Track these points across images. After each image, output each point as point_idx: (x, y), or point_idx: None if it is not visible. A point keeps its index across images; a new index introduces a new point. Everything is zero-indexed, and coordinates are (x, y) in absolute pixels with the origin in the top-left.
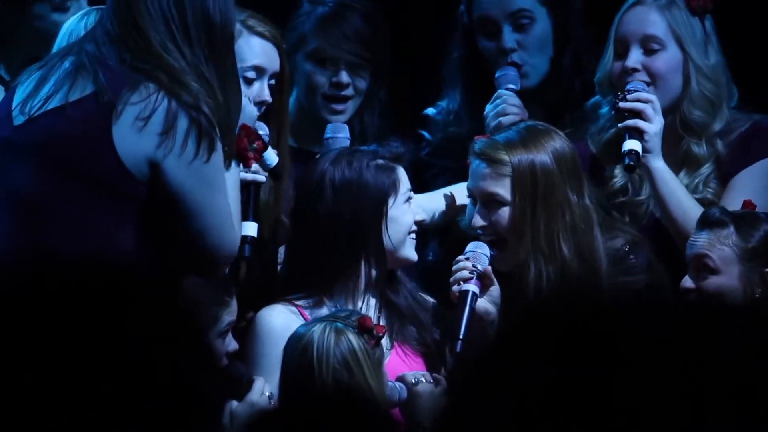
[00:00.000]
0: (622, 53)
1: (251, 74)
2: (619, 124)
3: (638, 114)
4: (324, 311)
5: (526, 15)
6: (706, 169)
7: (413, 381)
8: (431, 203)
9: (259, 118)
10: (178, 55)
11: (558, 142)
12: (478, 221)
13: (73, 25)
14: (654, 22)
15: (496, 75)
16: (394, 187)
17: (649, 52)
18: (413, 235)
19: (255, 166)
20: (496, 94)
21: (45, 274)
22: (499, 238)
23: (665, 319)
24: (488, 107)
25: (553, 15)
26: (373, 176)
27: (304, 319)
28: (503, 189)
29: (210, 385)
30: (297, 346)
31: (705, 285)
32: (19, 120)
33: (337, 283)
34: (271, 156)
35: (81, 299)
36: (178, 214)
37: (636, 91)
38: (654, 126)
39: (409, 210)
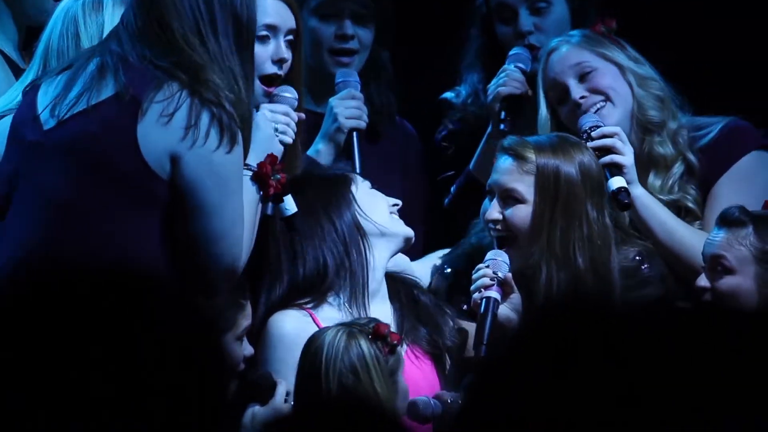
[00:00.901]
0: (561, 97)
1: (265, 32)
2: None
3: (609, 149)
4: (335, 313)
5: None
6: (677, 168)
7: (449, 401)
8: (425, 267)
9: (282, 80)
10: (202, 49)
11: (586, 156)
12: (492, 214)
13: (70, 3)
14: (576, 53)
15: (509, 53)
16: (349, 176)
17: (584, 77)
18: (395, 212)
19: (281, 132)
20: (501, 69)
21: (72, 276)
22: (509, 235)
23: (676, 325)
24: (492, 82)
25: (570, 0)
26: (327, 171)
27: (316, 323)
28: (523, 186)
29: (229, 389)
30: (309, 349)
31: (720, 285)
32: (49, 124)
33: (342, 281)
34: (291, 204)
35: (103, 301)
36: (190, 214)
37: (597, 126)
38: (628, 158)
39: (377, 192)
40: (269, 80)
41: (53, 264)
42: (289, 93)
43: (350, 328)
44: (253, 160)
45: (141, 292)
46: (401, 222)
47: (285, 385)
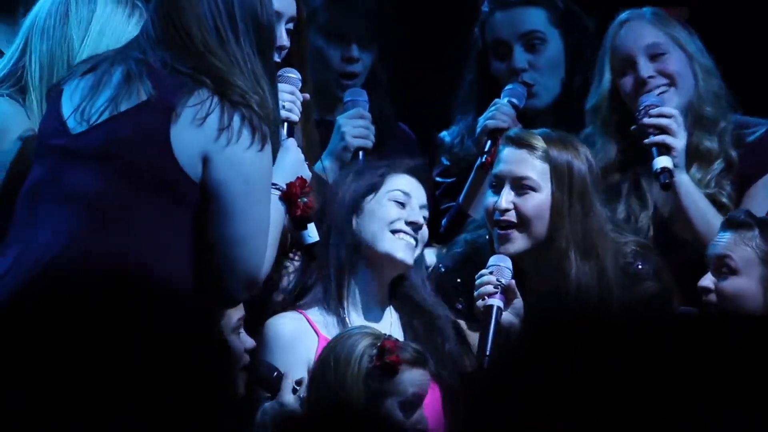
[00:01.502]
0: (625, 70)
1: None
2: (645, 141)
3: (663, 129)
4: (322, 316)
5: (537, 36)
6: (717, 165)
7: None
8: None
9: (280, 65)
10: (222, 52)
11: (587, 151)
12: (503, 204)
13: None
14: (652, 32)
15: (505, 87)
16: (375, 184)
17: (656, 57)
18: (401, 235)
19: (288, 110)
20: (493, 101)
21: (96, 281)
22: (519, 222)
23: (677, 328)
24: (483, 115)
25: (565, 37)
26: (357, 173)
27: (312, 326)
28: (536, 174)
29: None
30: (331, 343)
31: (724, 285)
32: (77, 129)
33: (335, 287)
34: (313, 232)
35: (118, 304)
36: (215, 216)
37: (657, 105)
38: (680, 141)
39: (394, 208)
40: None
41: (82, 267)
42: (293, 74)
43: (371, 331)
44: (282, 180)
45: (156, 297)
46: (400, 246)
47: (291, 377)
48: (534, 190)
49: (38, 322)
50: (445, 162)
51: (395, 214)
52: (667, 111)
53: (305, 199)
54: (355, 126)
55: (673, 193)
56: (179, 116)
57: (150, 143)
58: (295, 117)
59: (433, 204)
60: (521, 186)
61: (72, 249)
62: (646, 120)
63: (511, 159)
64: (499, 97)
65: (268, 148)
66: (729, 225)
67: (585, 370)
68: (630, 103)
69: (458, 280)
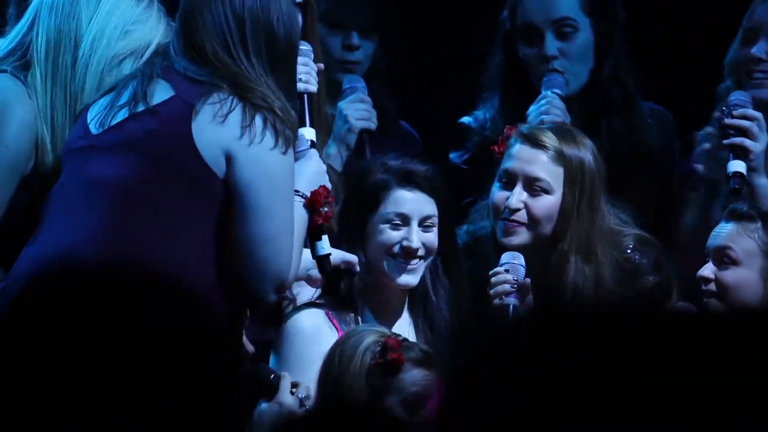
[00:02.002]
0: (749, 41)
1: None
2: (724, 141)
3: (744, 131)
4: (349, 316)
5: (569, 23)
6: None
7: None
8: None
9: None
10: (236, 68)
11: (593, 145)
12: (514, 203)
13: None
14: None
15: (543, 79)
16: (375, 203)
17: None
18: (400, 260)
19: (304, 81)
20: (540, 95)
21: (123, 271)
22: (529, 222)
23: (670, 324)
24: (531, 107)
25: (595, 25)
26: (366, 184)
27: (332, 322)
28: (548, 175)
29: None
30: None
31: (724, 275)
32: (99, 129)
33: (352, 292)
34: (326, 244)
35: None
36: (240, 216)
37: (742, 106)
38: (760, 145)
39: (390, 232)
40: None
41: (101, 261)
42: (305, 45)
43: (379, 329)
44: (305, 188)
45: (172, 294)
46: (399, 270)
47: (289, 378)
48: (547, 192)
49: (47, 317)
50: (471, 147)
51: (392, 238)
52: (750, 113)
53: (326, 209)
54: (357, 109)
55: (750, 198)
56: (198, 112)
57: (174, 135)
58: (313, 88)
59: (448, 193)
60: (534, 187)
61: (90, 242)
62: (728, 120)
63: (524, 157)
64: (526, 80)
65: (291, 152)
66: (731, 216)
67: (580, 365)
68: (737, 69)
69: None
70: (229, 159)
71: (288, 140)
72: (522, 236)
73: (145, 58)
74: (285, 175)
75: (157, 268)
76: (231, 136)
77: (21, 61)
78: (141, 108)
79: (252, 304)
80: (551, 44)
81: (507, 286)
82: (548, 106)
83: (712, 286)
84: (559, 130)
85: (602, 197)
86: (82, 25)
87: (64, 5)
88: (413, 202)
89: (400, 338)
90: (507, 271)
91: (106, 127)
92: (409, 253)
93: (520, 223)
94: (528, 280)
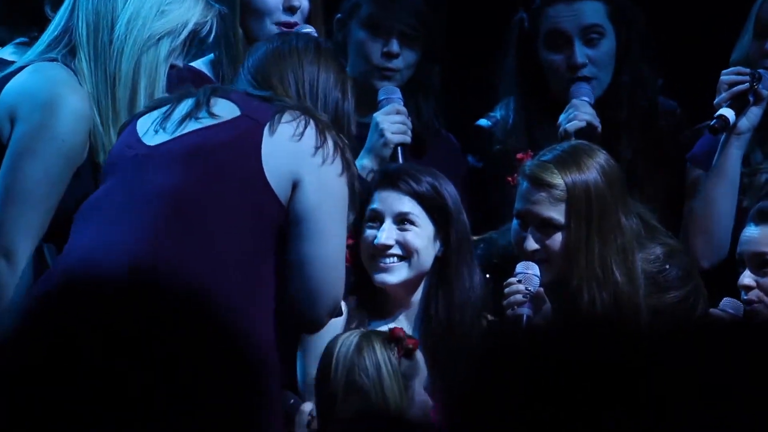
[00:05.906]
0: (761, 35)
1: None
2: (734, 88)
3: (758, 95)
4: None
5: (597, 30)
6: None
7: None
8: None
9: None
10: (297, 99)
11: (603, 157)
12: (532, 245)
13: None
14: None
15: (571, 88)
16: (363, 209)
17: None
18: (385, 259)
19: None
20: (570, 104)
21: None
22: (548, 258)
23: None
24: (562, 116)
25: (618, 33)
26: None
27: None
28: (558, 213)
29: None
30: (325, 351)
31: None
32: (156, 140)
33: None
34: None
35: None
36: (303, 238)
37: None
38: (758, 111)
39: (366, 231)
40: (288, 26)
41: (147, 275)
42: (310, 28)
43: (366, 332)
44: None
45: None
46: (382, 270)
47: (309, 406)
48: (558, 228)
49: (85, 330)
50: (489, 152)
51: (367, 236)
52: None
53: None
54: (392, 122)
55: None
56: (275, 130)
57: (242, 151)
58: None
59: (446, 196)
60: (545, 226)
61: (141, 251)
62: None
63: (530, 199)
64: (542, 83)
65: (351, 177)
66: (761, 218)
67: (601, 378)
68: (755, 59)
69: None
70: (296, 184)
71: (350, 167)
72: (546, 275)
73: (182, 38)
74: (344, 198)
75: (204, 282)
76: (304, 155)
77: (68, 47)
78: (205, 122)
79: (304, 328)
80: (580, 51)
81: (519, 296)
82: (577, 112)
83: (755, 294)
84: (562, 160)
85: (620, 214)
86: (118, 6)
87: None
88: (385, 199)
89: (398, 328)
90: (520, 281)
91: (165, 138)
92: (380, 250)
93: (542, 260)
94: (542, 289)
